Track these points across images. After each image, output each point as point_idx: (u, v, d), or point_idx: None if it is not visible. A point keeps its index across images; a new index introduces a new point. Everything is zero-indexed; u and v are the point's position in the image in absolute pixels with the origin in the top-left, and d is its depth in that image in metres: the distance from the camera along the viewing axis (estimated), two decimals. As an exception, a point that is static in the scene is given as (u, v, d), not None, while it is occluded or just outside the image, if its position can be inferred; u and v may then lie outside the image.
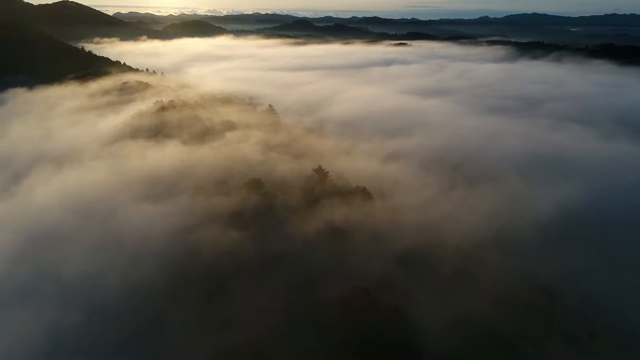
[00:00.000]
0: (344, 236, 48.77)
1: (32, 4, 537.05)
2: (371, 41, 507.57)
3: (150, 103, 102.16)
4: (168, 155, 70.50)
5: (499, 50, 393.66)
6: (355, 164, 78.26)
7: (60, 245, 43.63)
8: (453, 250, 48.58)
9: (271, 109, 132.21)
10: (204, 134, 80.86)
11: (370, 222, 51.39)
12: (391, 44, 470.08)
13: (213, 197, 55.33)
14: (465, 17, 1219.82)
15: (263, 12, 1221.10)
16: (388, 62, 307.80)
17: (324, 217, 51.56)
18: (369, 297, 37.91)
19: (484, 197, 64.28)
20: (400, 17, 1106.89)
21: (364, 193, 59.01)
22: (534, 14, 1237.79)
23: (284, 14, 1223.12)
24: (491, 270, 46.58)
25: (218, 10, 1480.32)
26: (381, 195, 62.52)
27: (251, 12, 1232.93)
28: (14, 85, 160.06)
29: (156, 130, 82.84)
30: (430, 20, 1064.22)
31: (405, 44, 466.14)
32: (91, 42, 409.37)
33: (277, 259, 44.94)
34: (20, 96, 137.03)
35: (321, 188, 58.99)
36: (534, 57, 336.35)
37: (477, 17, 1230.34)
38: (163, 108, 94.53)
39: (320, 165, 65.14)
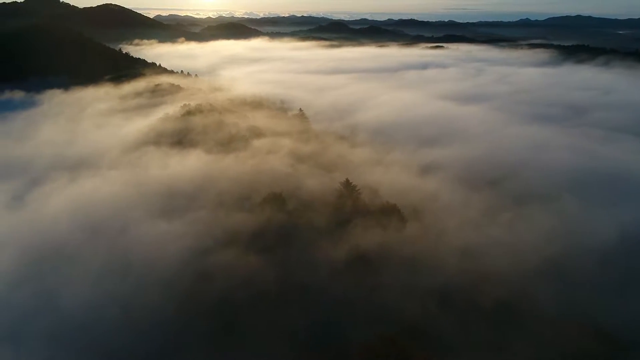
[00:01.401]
0: (373, 266, 43.61)
1: (77, 7, 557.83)
2: (406, 44, 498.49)
3: (178, 107, 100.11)
4: (190, 165, 67.07)
5: (541, 54, 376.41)
6: (387, 176, 72.89)
7: (64, 266, 40.79)
8: (499, 284, 42.47)
9: (301, 114, 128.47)
10: (229, 142, 77.27)
11: (404, 249, 45.83)
12: (427, 47, 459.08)
13: (234, 215, 51.19)
14: (505, 20, 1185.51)
15: (299, 15, 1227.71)
16: (424, 66, 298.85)
17: (353, 242, 46.41)
18: (396, 349, 32.31)
19: (533, 219, 57.17)
20: (437, 20, 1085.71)
21: (398, 213, 53.58)
22: (578, 16, 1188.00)
23: (319, 16, 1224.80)
24: (543, 309, 40.35)
25: (255, 12, 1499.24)
26: (416, 214, 56.75)
27: (287, 15, 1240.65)
28: (53, 86, 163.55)
29: (180, 135, 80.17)
30: (468, 22, 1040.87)
31: (441, 46, 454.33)
32: (131, 44, 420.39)
33: (298, 291, 40.33)
34: (56, 97, 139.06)
35: (352, 205, 53.97)
36: (579, 61, 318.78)
37: (517, 19, 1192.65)
38: (189, 112, 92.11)
39: (347, 179, 60.39)
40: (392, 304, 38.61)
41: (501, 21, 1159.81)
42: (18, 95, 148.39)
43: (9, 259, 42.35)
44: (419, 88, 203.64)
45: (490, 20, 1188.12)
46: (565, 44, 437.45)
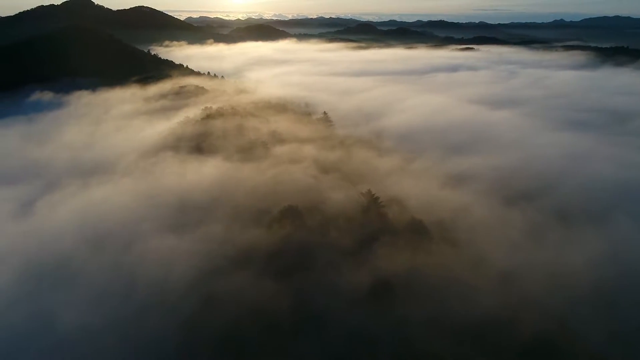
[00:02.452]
0: (399, 295, 39.44)
1: (111, 9, 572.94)
2: (435, 45, 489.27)
3: (199, 109, 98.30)
4: (206, 174, 63.99)
5: (577, 56, 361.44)
6: (415, 187, 68.38)
7: (64, 285, 38.52)
8: (541, 316, 37.68)
9: (325, 117, 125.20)
10: (250, 148, 74.24)
11: (434, 274, 41.32)
12: (457, 49, 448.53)
13: (250, 231, 47.69)
14: (538, 21, 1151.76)
15: (327, 16, 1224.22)
16: (453, 68, 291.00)
17: (377, 265, 42.25)
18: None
19: (579, 240, 51.61)
20: (467, 21, 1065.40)
21: (426, 231, 49.34)
22: (616, 17, 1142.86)
23: (347, 17, 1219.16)
24: (591, 346, 35.47)
25: (283, 14, 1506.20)
26: (447, 232, 52.04)
27: (315, 16, 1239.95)
28: (82, 87, 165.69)
29: (199, 140, 77.91)
30: (499, 23, 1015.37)
31: (472, 48, 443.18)
32: (161, 45, 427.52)
33: (314, 322, 36.51)
34: (83, 99, 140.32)
35: (377, 221, 49.97)
36: (619, 64, 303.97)
37: (551, 20, 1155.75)
38: (209, 116, 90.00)
39: (369, 190, 56.63)
40: (418, 341, 34.38)
41: (534, 22, 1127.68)
42: (47, 96, 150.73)
43: (9, 273, 40.50)
44: (449, 91, 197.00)
45: (523, 21, 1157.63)
46: (603, 46, 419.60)
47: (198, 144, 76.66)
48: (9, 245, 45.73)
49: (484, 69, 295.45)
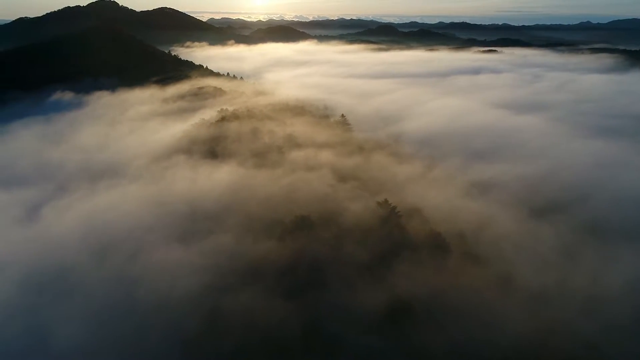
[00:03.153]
0: (419, 318, 36.48)
1: (134, 11, 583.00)
2: (458, 47, 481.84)
3: (215, 111, 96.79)
4: (218, 180, 61.74)
5: (605, 59, 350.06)
6: (435, 195, 65.25)
7: (64, 298, 36.81)
8: (574, 343, 34.25)
9: (344, 120, 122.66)
10: (265, 153, 71.96)
11: (457, 295, 38.12)
12: (480, 51, 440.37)
13: (262, 243, 45.13)
14: (564, 23, 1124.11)
15: (348, 18, 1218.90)
16: (476, 71, 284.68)
17: (396, 283, 39.23)
18: None
19: (615, 258, 47.50)
20: (491, 23, 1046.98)
21: (449, 246, 46.21)
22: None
23: (368, 19, 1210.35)
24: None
25: (304, 15, 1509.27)
26: (471, 246, 48.77)
27: (336, 18, 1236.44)
28: (102, 88, 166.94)
29: (213, 144, 76.16)
30: (523, 25, 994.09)
31: (495, 50, 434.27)
32: (182, 46, 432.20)
33: (327, 347, 33.85)
34: (102, 99, 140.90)
35: (396, 234, 47.03)
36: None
37: (577, 22, 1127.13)
38: (224, 118, 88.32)
39: (386, 200, 53.77)
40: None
41: (560, 24, 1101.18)
42: (67, 96, 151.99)
43: (9, 284, 39.12)
44: (471, 95, 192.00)
45: (548, 23, 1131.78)
46: (633, 49, 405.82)
47: (212, 147, 74.95)
48: (12, 253, 44.42)
49: (507, 71, 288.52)
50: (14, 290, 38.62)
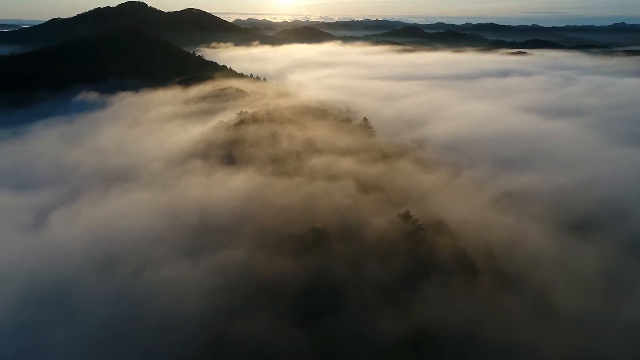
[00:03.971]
0: (444, 352, 33.12)
1: (162, 12, 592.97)
2: (485, 49, 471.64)
3: (234, 114, 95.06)
4: (234, 188, 59.01)
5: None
6: (462, 207, 61.34)
7: (63, 316, 34.91)
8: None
9: (366, 124, 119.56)
10: (283, 159, 69.23)
11: (486, 325, 34.44)
12: (508, 53, 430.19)
13: (276, 260, 42.15)
14: (596, 24, 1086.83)
15: (373, 19, 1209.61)
16: (504, 73, 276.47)
17: (419, 312, 35.70)
18: None
19: None
20: (519, 24, 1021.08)
21: (476, 266, 42.60)
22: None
23: (394, 20, 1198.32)
24: None
25: (329, 16, 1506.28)
26: (499, 266, 44.83)
27: (361, 19, 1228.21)
28: (127, 88, 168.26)
29: (230, 148, 74.13)
30: (553, 27, 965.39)
31: (524, 52, 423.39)
32: (208, 47, 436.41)
33: None
34: (125, 100, 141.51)
35: (422, 251, 43.63)
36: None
37: (611, 23, 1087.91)
38: (243, 121, 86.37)
39: (408, 212, 50.50)
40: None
41: (592, 25, 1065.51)
42: (92, 96, 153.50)
43: (7, 298, 37.56)
44: (499, 98, 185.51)
45: (579, 24, 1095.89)
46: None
47: (229, 152, 72.92)
48: (15, 263, 43.10)
49: (537, 74, 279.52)
50: (13, 305, 37.09)
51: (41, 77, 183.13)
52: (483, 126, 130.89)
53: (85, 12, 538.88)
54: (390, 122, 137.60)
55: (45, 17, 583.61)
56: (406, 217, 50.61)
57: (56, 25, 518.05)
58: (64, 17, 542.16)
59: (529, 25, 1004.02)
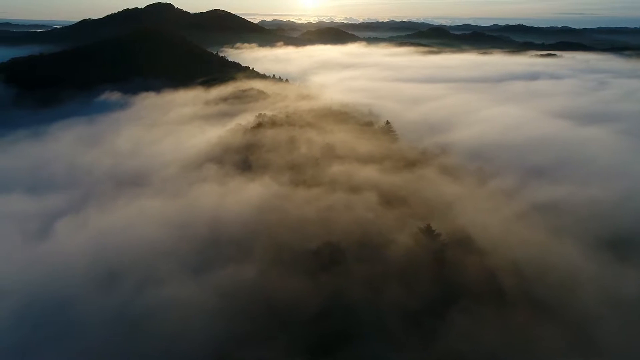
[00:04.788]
0: None
1: (189, 13, 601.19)
2: (513, 51, 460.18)
3: (253, 116, 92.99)
4: (248, 198, 56.10)
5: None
6: (491, 220, 57.29)
7: (60, 336, 32.84)
8: None
9: (388, 128, 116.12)
10: (302, 166, 66.24)
11: None
12: (537, 55, 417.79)
13: (289, 280, 38.90)
14: (630, 25, 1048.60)
15: (398, 20, 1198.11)
16: (533, 76, 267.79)
17: (447, 345, 32.11)
18: None
19: None
20: (549, 25, 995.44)
21: (506, 289, 38.82)
22: None
23: (419, 21, 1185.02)
24: None
25: (354, 18, 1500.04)
26: (533, 290, 40.59)
27: (386, 20, 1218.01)
28: (150, 88, 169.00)
29: (247, 153, 71.88)
30: (584, 28, 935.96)
31: (554, 54, 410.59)
32: (232, 48, 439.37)
33: None
34: (146, 100, 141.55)
35: (448, 272, 40.07)
36: None
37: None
38: (260, 124, 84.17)
39: (429, 225, 47.07)
40: None
41: (625, 27, 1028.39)
42: (114, 96, 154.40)
43: (5, 313, 35.84)
44: (528, 102, 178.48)
45: (612, 26, 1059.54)
46: None
47: (245, 157, 70.65)
48: (15, 275, 41.35)
49: (568, 77, 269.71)
50: (9, 321, 35.33)
51: (68, 77, 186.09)
52: (511, 132, 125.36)
53: (115, 13, 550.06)
54: (414, 126, 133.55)
55: (78, 18, 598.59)
56: (428, 231, 47.27)
57: (86, 25, 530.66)
58: (94, 18, 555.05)
59: (559, 26, 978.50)
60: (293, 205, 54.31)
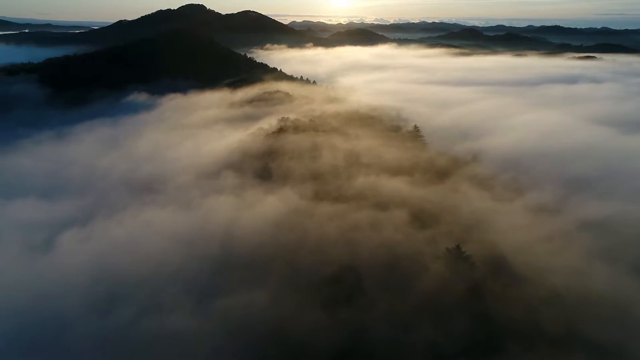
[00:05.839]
0: None
1: (220, 14, 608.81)
2: (550, 53, 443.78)
3: (276, 120, 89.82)
4: (266, 213, 51.91)
5: None
6: (524, 237, 52.13)
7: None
8: None
9: (417, 133, 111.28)
10: (325, 177, 62.07)
11: None
12: (575, 57, 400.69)
13: (305, 313, 34.36)
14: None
15: (429, 21, 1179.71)
16: (572, 79, 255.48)
17: None
18: None
19: None
20: (587, 26, 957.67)
21: (551, 330, 33.93)
22: None
23: (451, 22, 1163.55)
24: None
25: (385, 19, 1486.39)
26: (584, 330, 35.36)
27: (417, 21, 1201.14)
28: (177, 89, 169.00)
29: (267, 160, 68.56)
30: (626, 29, 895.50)
31: (593, 57, 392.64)
32: (262, 48, 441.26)
33: None
34: (171, 101, 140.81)
35: (487, 306, 35.32)
36: None
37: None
38: (282, 129, 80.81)
39: (458, 246, 42.50)
40: None
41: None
42: (141, 97, 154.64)
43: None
44: (566, 107, 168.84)
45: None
46: None
47: (265, 165, 67.35)
48: (9, 291, 39.12)
49: (609, 81, 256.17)
50: (4, 343, 32.86)
51: (99, 77, 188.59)
52: (549, 139, 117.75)
53: (149, 14, 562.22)
54: (444, 132, 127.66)
55: (113, 19, 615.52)
56: (457, 253, 42.76)
57: (122, 26, 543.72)
58: (129, 19, 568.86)
59: (598, 27, 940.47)
60: (314, 223, 49.75)
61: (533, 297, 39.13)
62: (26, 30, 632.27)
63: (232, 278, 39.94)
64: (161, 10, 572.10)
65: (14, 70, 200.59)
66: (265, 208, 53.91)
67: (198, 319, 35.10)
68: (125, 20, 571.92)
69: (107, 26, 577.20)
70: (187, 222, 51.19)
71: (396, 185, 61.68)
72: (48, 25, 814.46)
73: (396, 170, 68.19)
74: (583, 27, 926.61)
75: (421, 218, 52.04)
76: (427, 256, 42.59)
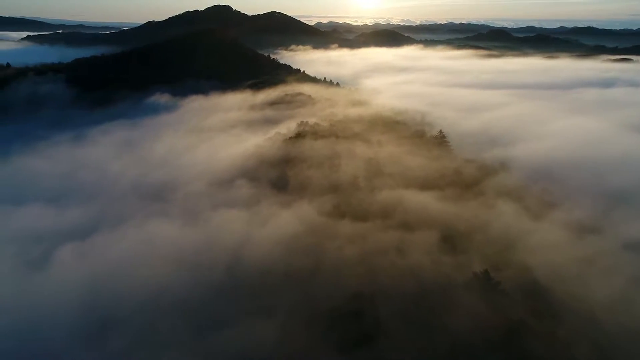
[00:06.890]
0: None
1: (246, 15, 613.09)
2: (582, 55, 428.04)
3: (295, 124, 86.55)
4: (280, 230, 47.74)
5: None
6: (561, 259, 47.20)
7: None
8: None
9: (442, 139, 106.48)
10: (345, 189, 57.71)
11: None
12: (610, 60, 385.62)
13: (321, 353, 30.45)
14: None
15: (457, 22, 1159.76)
16: (607, 83, 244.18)
17: None
18: None
19: None
20: (623, 27, 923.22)
21: None
22: None
23: (479, 23, 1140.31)
24: None
25: (411, 20, 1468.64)
26: None
27: (444, 22, 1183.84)
28: (199, 91, 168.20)
29: (283, 168, 65.28)
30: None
31: (629, 59, 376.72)
32: (286, 50, 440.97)
33: None
34: (192, 103, 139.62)
35: (523, 346, 31.04)
36: None
37: None
38: (300, 134, 77.43)
39: (487, 270, 38.23)
40: None
41: None
42: (163, 99, 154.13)
43: None
44: (603, 113, 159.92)
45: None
46: None
47: (281, 173, 63.99)
48: (6, 313, 36.47)
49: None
50: None
51: (124, 78, 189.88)
52: (585, 147, 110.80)
53: (176, 15, 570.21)
54: (471, 138, 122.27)
55: (142, 20, 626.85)
56: (486, 279, 38.59)
57: (150, 27, 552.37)
58: (157, 20, 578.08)
59: (635, 29, 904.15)
60: (332, 245, 45.18)
61: (572, 330, 34.67)
62: (59, 31, 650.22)
63: (237, 307, 36.22)
64: (188, 11, 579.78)
65: (42, 70, 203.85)
66: (279, 225, 49.36)
67: (195, 357, 31.59)
68: (154, 21, 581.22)
69: (137, 27, 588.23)
70: (193, 240, 47.46)
71: (423, 200, 56.71)
72: (81, 25, 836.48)
73: (422, 182, 63.32)
74: (618, 28, 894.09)
75: (451, 239, 47.16)
76: (457, 285, 38.08)
